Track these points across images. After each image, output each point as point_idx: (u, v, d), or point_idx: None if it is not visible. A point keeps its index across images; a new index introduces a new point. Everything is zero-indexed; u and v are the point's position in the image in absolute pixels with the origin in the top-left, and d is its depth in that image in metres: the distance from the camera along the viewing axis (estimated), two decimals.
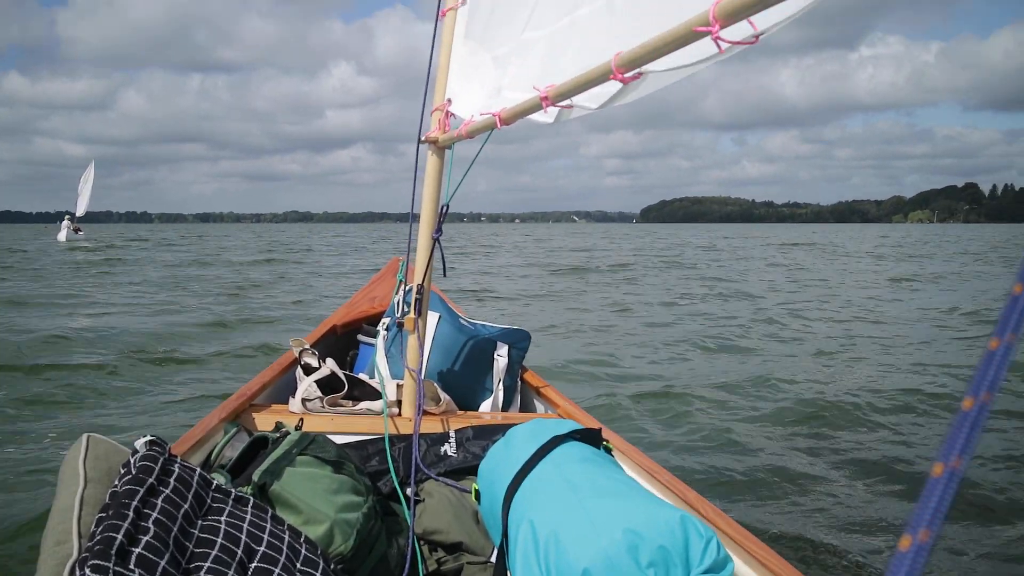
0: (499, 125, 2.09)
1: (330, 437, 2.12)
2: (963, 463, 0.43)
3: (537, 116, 1.95)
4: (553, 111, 1.86)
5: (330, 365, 2.85)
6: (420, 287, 2.67)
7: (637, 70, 1.34)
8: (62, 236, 44.84)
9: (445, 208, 2.63)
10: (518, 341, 3.23)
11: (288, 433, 2.03)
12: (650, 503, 1.53)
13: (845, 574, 3.46)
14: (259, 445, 2.03)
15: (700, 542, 1.44)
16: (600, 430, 2.05)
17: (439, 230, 2.65)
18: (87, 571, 1.03)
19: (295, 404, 2.67)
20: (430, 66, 2.80)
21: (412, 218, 2.76)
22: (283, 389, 2.98)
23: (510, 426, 2.08)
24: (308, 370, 2.87)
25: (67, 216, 48.39)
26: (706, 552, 1.43)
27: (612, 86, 1.52)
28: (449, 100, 2.69)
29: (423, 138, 2.71)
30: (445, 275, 2.80)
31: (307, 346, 3.02)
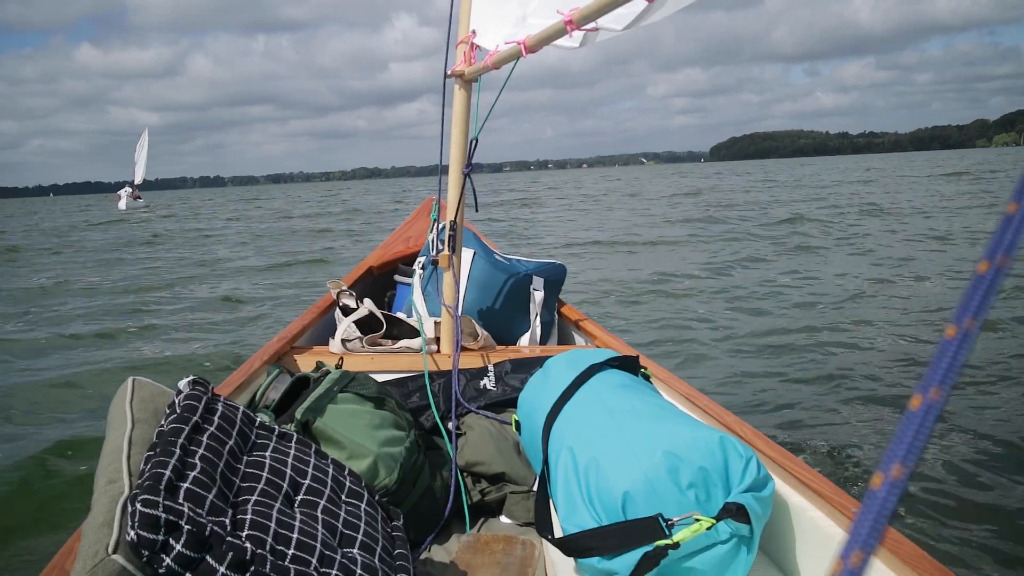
0: (524, 53, 2.04)
1: (371, 375, 2.15)
2: (942, 395, 0.41)
3: (563, 41, 1.90)
4: (579, 35, 1.81)
5: (368, 305, 2.87)
6: (453, 224, 2.66)
7: None
8: (122, 204, 46.43)
9: (474, 142, 2.61)
10: (554, 275, 3.22)
11: (329, 372, 2.06)
12: (688, 425, 1.52)
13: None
14: (301, 385, 2.06)
15: (740, 462, 1.43)
16: (637, 357, 2.04)
17: (469, 164, 2.63)
18: (138, 506, 1.06)
19: (335, 345, 2.70)
20: None
21: (442, 155, 2.74)
22: (323, 330, 3.03)
23: (548, 358, 2.08)
24: (346, 311, 2.90)
25: (127, 184, 49.89)
26: (746, 471, 1.43)
27: (638, 5, 1.47)
28: (474, 32, 2.63)
29: (449, 72, 2.67)
30: (477, 210, 2.78)
31: (345, 288, 3.04)
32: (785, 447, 1.72)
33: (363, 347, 2.71)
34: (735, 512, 1.37)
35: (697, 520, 1.36)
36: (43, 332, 7.77)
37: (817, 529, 1.48)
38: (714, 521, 1.36)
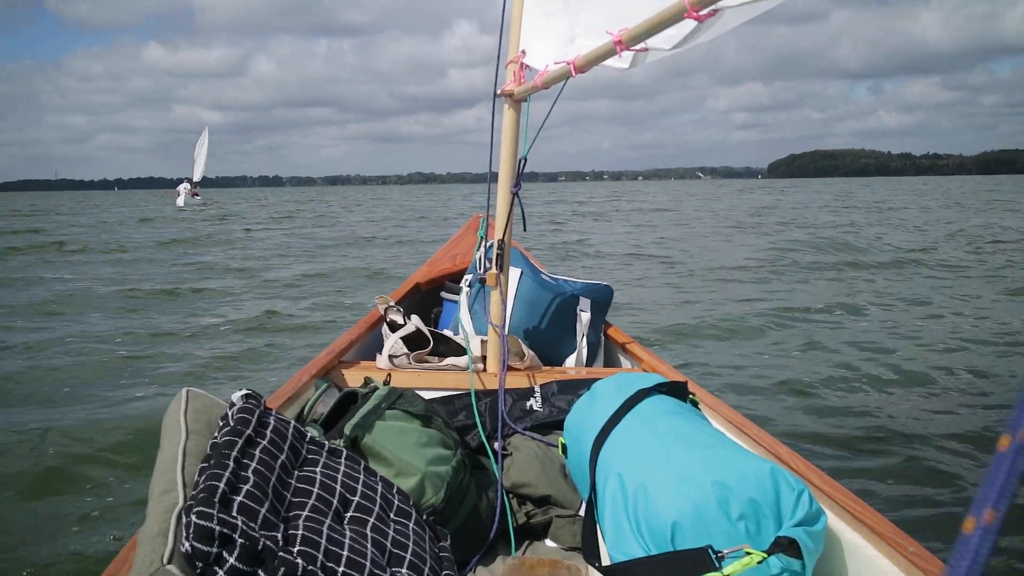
0: (574, 73, 2.05)
1: (417, 392, 2.16)
2: None
3: (612, 62, 1.91)
4: (628, 55, 1.81)
5: (415, 322, 2.89)
6: (500, 243, 2.67)
7: (712, 7, 1.29)
8: (180, 201, 48.42)
9: (523, 162, 2.62)
10: (601, 296, 3.21)
11: (377, 388, 2.07)
12: (738, 455, 1.50)
13: (940, 530, 3.36)
14: (349, 400, 2.08)
15: (791, 494, 1.41)
16: (686, 383, 2.02)
17: (518, 184, 2.64)
18: (193, 518, 1.08)
19: (382, 360, 2.72)
20: (503, 18, 2.76)
21: (491, 174, 2.76)
22: (370, 346, 3.05)
23: (594, 381, 2.07)
24: (394, 327, 2.92)
25: (186, 181, 52.07)
26: (798, 505, 1.40)
27: (687, 25, 1.47)
28: (523, 52, 2.65)
29: (499, 92, 2.69)
30: (525, 229, 2.79)
31: (392, 304, 3.07)
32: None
33: (410, 364, 2.72)
34: (787, 546, 1.34)
35: (748, 553, 1.33)
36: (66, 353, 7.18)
37: (872, 567, 1.44)
38: (765, 555, 1.33)
